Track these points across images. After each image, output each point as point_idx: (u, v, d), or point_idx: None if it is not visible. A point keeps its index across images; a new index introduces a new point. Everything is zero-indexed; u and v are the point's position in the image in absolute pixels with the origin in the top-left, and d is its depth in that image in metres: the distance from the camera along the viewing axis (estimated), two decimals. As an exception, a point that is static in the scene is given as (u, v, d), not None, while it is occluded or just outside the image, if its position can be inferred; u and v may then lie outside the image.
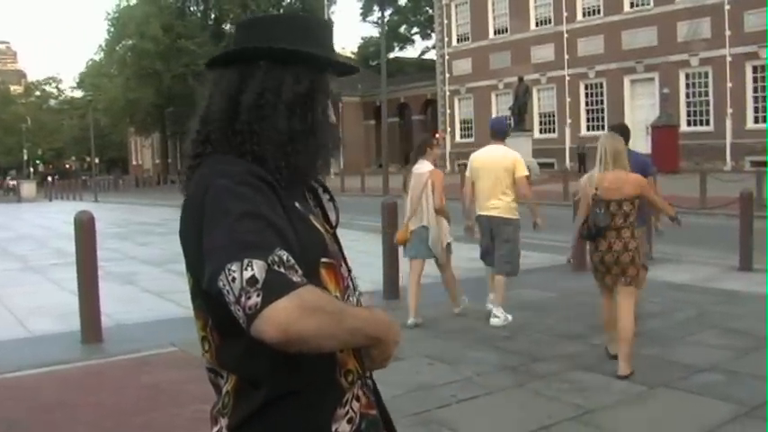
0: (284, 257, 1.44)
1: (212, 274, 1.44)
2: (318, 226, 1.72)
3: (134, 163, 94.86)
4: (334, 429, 1.64)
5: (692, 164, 33.17)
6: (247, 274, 1.40)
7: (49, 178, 70.31)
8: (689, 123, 38.37)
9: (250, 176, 1.57)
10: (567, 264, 8.68)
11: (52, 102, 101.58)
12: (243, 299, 1.39)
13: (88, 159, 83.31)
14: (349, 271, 1.81)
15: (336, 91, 1.83)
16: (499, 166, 7.97)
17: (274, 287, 1.39)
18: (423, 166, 8.07)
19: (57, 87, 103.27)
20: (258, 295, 1.39)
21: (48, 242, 18.23)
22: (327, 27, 1.81)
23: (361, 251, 13.19)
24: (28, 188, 54.02)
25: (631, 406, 5.34)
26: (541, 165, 38.90)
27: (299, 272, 1.46)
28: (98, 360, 6.88)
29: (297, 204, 1.67)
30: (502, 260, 7.99)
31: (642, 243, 7.16)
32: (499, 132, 8.39)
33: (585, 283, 10.13)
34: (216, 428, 1.68)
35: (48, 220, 26.98)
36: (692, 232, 15.59)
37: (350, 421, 1.67)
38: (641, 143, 38.19)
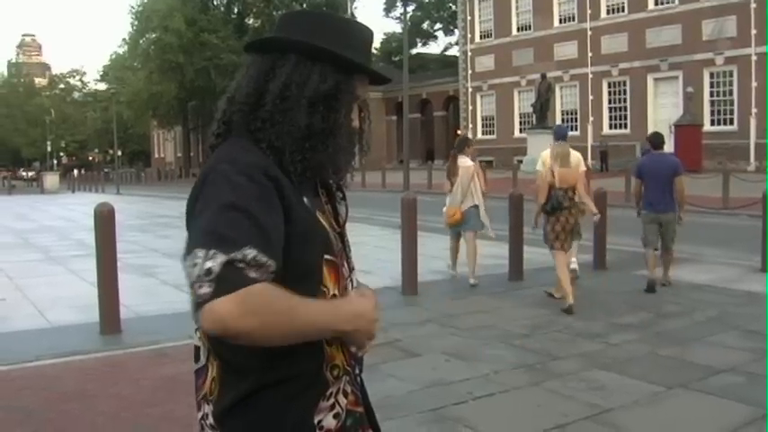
0: (249, 255, 1.47)
1: (184, 253, 1.51)
2: (325, 223, 1.72)
3: (156, 156, 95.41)
4: (316, 421, 1.67)
5: (715, 163, 32.92)
6: (207, 264, 1.45)
7: (75, 171, 70.79)
8: (713, 123, 38.08)
9: (253, 167, 1.59)
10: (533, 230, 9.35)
11: (76, 94, 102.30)
12: (196, 286, 1.45)
13: (111, 152, 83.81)
14: (351, 269, 1.82)
15: (364, 97, 1.82)
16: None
17: (225, 283, 1.44)
18: (466, 161, 10.13)
19: (81, 80, 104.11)
20: (210, 287, 1.44)
21: (69, 233, 18.35)
22: (366, 32, 1.82)
23: (380, 246, 13.23)
24: (51, 180, 54.27)
25: (648, 406, 5.30)
26: (563, 163, 38.65)
27: (269, 269, 1.49)
28: (116, 351, 6.91)
29: (305, 200, 1.68)
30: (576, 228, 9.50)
31: (672, 226, 9.81)
32: (564, 135, 9.57)
33: (606, 282, 10.12)
34: (200, 414, 1.73)
35: (70, 212, 27.18)
36: (715, 232, 15.51)
37: (336, 416, 1.70)
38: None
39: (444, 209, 10.37)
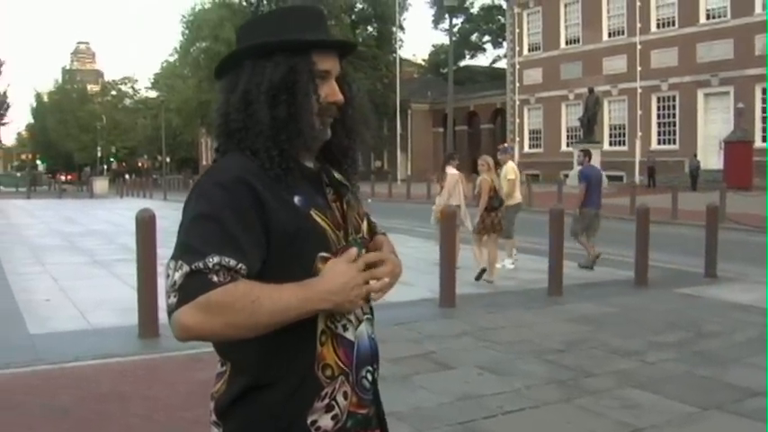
0: (212, 262, 1.56)
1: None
2: (322, 221, 1.73)
3: (204, 163, 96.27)
4: (310, 421, 1.69)
5: (765, 181, 32.34)
6: (175, 275, 1.56)
7: (126, 176, 71.90)
8: (764, 139, 37.41)
9: (228, 176, 1.67)
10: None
11: (127, 101, 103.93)
12: (166, 296, 1.57)
13: (160, 158, 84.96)
14: None
15: (337, 71, 1.83)
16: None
17: (187, 292, 1.54)
18: (452, 170, 12.40)
19: (132, 87, 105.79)
20: (175, 296, 1.55)
21: (115, 238, 18.63)
22: (311, 10, 1.84)
23: (420, 258, 13.22)
24: (100, 184, 55.23)
25: (681, 427, 5.22)
26: (610, 178, 38.29)
27: (240, 271, 1.58)
28: (153, 355, 7.02)
29: (296, 198, 1.70)
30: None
31: (600, 218, 13.13)
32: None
33: (646, 299, 10.00)
34: (209, 411, 1.80)
35: (117, 216, 27.61)
36: (761, 251, 15.21)
37: (334, 417, 1.71)
38: (713, 158, 37.45)
39: (434, 207, 12.57)
